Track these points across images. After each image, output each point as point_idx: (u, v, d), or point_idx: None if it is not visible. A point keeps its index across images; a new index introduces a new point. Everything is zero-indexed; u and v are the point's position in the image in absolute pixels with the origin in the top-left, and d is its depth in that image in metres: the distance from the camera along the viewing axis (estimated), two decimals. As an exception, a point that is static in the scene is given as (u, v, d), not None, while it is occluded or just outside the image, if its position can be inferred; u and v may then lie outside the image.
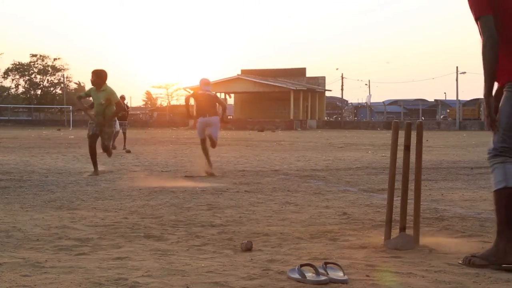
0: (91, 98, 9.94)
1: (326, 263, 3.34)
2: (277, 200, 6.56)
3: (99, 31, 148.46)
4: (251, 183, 8.34)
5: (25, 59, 70.68)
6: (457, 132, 44.54)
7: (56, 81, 69.74)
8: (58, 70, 69.47)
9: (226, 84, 59.31)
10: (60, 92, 68.48)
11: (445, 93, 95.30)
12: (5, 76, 69.44)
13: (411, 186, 4.18)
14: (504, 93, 3.60)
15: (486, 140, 3.69)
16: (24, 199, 6.52)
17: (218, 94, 66.09)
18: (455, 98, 56.85)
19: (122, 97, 16.54)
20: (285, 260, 3.65)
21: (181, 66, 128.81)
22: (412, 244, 4.00)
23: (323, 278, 3.16)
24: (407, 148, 4.13)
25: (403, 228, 4.11)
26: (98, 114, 9.66)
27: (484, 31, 3.51)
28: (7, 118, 62.18)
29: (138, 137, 26.49)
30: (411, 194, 4.21)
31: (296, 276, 3.21)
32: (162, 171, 10.42)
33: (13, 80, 69.75)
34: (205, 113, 9.88)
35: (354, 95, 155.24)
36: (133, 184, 8.16)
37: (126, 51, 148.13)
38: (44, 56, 69.44)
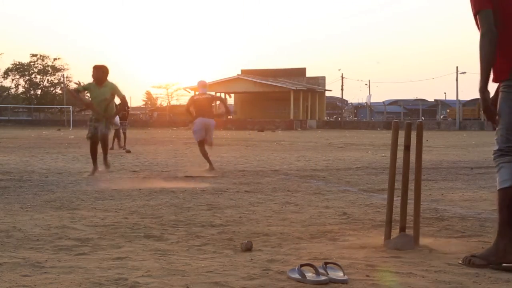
0: (87, 94, 9.64)
1: (326, 263, 3.34)
2: (277, 200, 6.56)
3: (99, 31, 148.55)
4: (251, 183, 8.34)
5: (25, 59, 70.78)
6: (457, 132, 44.54)
7: (56, 81, 69.76)
8: (58, 70, 69.48)
9: (226, 84, 59.30)
10: (60, 92, 68.47)
11: (445, 93, 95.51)
12: (5, 76, 69.46)
13: (411, 186, 4.18)
14: (500, 93, 3.61)
15: (486, 140, 3.70)
16: (24, 199, 6.52)
17: (218, 94, 66.36)
18: (455, 98, 56.85)
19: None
20: (285, 260, 3.65)
21: (181, 66, 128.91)
22: (412, 244, 4.00)
23: (323, 278, 3.16)
24: (407, 148, 4.13)
25: (403, 228, 4.11)
26: (99, 110, 9.33)
27: (482, 25, 3.52)
28: (7, 118, 62.18)
29: (138, 137, 26.49)
30: (411, 194, 4.21)
31: (296, 276, 3.21)
32: (162, 171, 10.42)
33: (13, 80, 69.82)
34: (203, 115, 10.43)
35: (354, 95, 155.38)
36: (133, 184, 8.16)
37: (126, 51, 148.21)
38: (44, 56, 69.47)
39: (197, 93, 11.19)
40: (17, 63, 69.28)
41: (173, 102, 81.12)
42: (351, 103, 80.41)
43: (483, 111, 3.61)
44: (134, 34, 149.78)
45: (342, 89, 64.84)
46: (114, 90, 9.34)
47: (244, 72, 63.38)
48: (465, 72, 55.56)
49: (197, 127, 10.38)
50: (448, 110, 64.87)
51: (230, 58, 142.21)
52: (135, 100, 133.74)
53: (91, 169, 9.50)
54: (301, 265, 3.29)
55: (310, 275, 3.20)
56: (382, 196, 6.61)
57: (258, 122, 52.05)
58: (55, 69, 69.50)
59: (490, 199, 6.53)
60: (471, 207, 6.06)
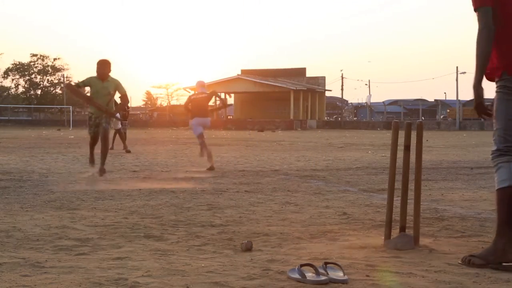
0: (87, 89, 9.15)
1: (326, 263, 3.34)
2: (277, 200, 6.55)
3: (99, 31, 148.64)
4: (251, 183, 8.34)
5: (25, 59, 70.78)
6: (457, 132, 44.54)
7: (56, 81, 69.74)
8: (58, 70, 69.47)
9: (226, 84, 59.29)
10: (60, 92, 68.47)
11: (445, 93, 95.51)
12: (5, 76, 69.46)
13: (411, 186, 4.18)
14: (496, 94, 3.62)
15: (486, 140, 3.71)
16: (24, 199, 6.52)
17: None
18: (455, 98, 56.85)
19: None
20: (285, 260, 3.65)
21: (181, 66, 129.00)
22: (412, 244, 4.00)
23: (323, 278, 3.16)
24: (407, 148, 4.13)
25: (403, 228, 4.11)
26: (101, 104, 8.85)
27: (481, 21, 3.52)
28: (7, 118, 62.18)
29: (138, 137, 26.49)
30: (411, 194, 4.21)
31: (296, 276, 3.21)
32: (162, 171, 10.42)
33: (13, 80, 69.82)
34: (199, 114, 11.13)
35: (354, 95, 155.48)
36: (133, 184, 8.16)
37: (126, 51, 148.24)
38: (44, 56, 69.47)
39: (195, 92, 11.58)
40: (17, 63, 69.30)
41: (173, 102, 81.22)
42: (351, 103, 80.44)
43: (475, 108, 3.61)
44: (134, 34, 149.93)
45: (342, 89, 64.89)
46: (117, 86, 8.96)
47: (244, 72, 63.38)
48: (465, 72, 55.53)
49: (194, 125, 11.21)
50: (448, 110, 64.88)
51: (230, 58, 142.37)
52: (135, 100, 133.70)
53: (90, 162, 9.25)
54: (301, 265, 3.29)
55: (310, 275, 3.20)
56: (382, 196, 6.61)
57: (258, 122, 52.04)
58: (55, 69, 69.49)
59: (490, 199, 6.53)
60: (471, 207, 6.06)
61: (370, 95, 67.60)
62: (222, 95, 63.49)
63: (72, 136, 28.28)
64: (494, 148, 3.62)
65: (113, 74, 8.91)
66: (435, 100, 73.15)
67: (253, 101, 61.80)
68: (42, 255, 3.79)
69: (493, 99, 3.66)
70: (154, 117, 64.55)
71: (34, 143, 21.19)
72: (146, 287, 3.06)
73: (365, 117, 72.49)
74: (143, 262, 3.58)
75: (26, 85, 69.68)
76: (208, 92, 11.57)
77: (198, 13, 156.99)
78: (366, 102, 67.83)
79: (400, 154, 4.14)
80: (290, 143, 23.14)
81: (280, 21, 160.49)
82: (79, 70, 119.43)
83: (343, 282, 3.14)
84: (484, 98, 3.58)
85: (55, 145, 19.79)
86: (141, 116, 69.06)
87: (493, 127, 3.67)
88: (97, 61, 8.99)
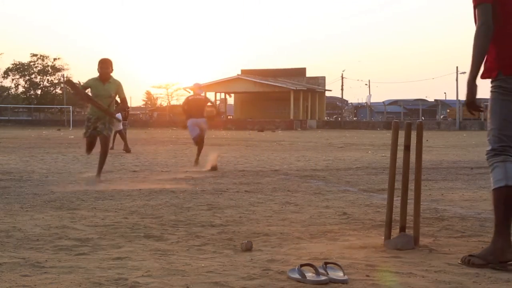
0: (88, 91, 8.75)
1: (326, 263, 3.34)
2: (277, 200, 6.55)
3: (99, 31, 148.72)
4: (251, 183, 8.34)
5: (25, 59, 70.79)
6: (457, 132, 44.55)
7: (56, 81, 69.75)
8: (58, 70, 69.47)
9: (226, 84, 59.31)
10: (60, 92, 68.48)
11: (445, 93, 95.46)
12: (5, 76, 69.47)
13: (411, 186, 4.18)
14: (491, 94, 3.62)
15: (486, 140, 3.70)
16: (24, 199, 6.52)
17: (218, 94, 65.94)
18: (455, 98, 56.84)
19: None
20: (285, 260, 3.65)
21: (181, 66, 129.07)
22: (412, 244, 4.00)
23: (323, 278, 3.16)
24: (407, 148, 4.13)
25: (403, 228, 4.11)
26: (103, 106, 8.55)
27: (480, 17, 3.53)
28: (7, 118, 62.20)
29: (138, 137, 26.49)
30: (411, 194, 4.21)
31: (296, 276, 3.21)
32: (162, 171, 10.42)
33: (13, 80, 69.83)
34: (194, 115, 11.57)
35: (354, 95, 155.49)
36: (133, 184, 8.16)
37: (126, 51, 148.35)
38: (44, 56, 69.47)
39: (192, 92, 12.06)
40: (17, 63, 69.32)
41: (173, 102, 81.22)
42: (351, 103, 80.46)
43: (466, 104, 3.61)
44: (134, 34, 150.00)
45: (342, 89, 64.89)
46: (118, 89, 8.68)
47: (244, 72, 63.38)
48: (465, 72, 55.19)
49: (190, 126, 11.65)
50: (448, 110, 64.87)
51: (230, 58, 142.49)
52: (135, 100, 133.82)
53: (86, 152, 8.96)
54: (301, 265, 3.29)
55: (310, 275, 3.20)
56: (382, 196, 6.61)
57: (258, 122, 52.04)
58: (55, 69, 69.49)
59: (490, 199, 6.49)
60: (471, 207, 6.06)
61: (370, 95, 67.62)
62: (222, 95, 63.62)
63: (72, 136, 28.28)
64: (489, 148, 3.62)
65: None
66: (435, 100, 73.17)
67: (253, 101, 61.80)
68: (42, 255, 3.79)
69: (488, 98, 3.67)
70: (154, 117, 64.55)
71: (34, 143, 21.19)
72: (146, 287, 3.06)
73: (365, 117, 72.49)
74: (143, 262, 3.58)
75: (26, 85, 69.70)
76: (204, 95, 11.99)
77: (198, 13, 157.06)
78: (366, 102, 67.84)
79: (400, 154, 4.14)
80: (290, 143, 23.14)
81: (280, 21, 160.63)
82: (79, 70, 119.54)
83: (343, 282, 3.14)
84: (477, 98, 3.58)
85: (55, 145, 19.79)
86: (141, 116, 69.07)
87: (488, 127, 3.67)
88: (98, 60, 8.75)
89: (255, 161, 13.06)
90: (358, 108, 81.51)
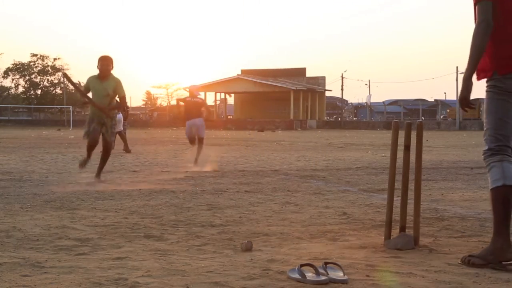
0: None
1: (326, 263, 3.34)
2: (277, 200, 6.55)
3: (99, 31, 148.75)
4: (251, 183, 8.34)
5: (25, 59, 70.77)
6: (457, 132, 44.55)
7: (56, 81, 69.74)
8: (58, 70, 69.42)
9: (226, 84, 59.31)
10: (60, 92, 68.47)
11: (445, 93, 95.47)
12: (5, 76, 69.47)
13: (411, 186, 4.18)
14: (486, 94, 3.62)
15: (483, 140, 3.70)
16: (24, 199, 6.51)
17: (218, 94, 65.94)
18: (455, 98, 56.80)
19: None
20: (285, 260, 3.65)
21: (181, 66, 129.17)
22: (412, 244, 4.00)
23: (323, 278, 3.16)
24: (407, 148, 4.13)
25: (403, 228, 4.11)
26: (101, 105, 8.43)
27: (480, 14, 3.52)
28: (7, 118, 62.20)
29: (138, 137, 26.49)
30: (411, 194, 4.21)
31: (296, 276, 3.20)
32: (162, 171, 10.42)
33: (13, 80, 69.82)
34: (191, 116, 11.80)
35: (354, 95, 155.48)
36: (133, 184, 8.16)
37: (126, 51, 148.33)
38: (44, 56, 69.45)
39: (188, 99, 12.24)
40: (17, 63, 69.30)
41: (173, 102, 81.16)
42: (351, 103, 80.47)
43: (460, 100, 3.61)
44: (134, 34, 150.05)
45: (342, 89, 64.89)
46: (117, 86, 8.47)
47: (244, 72, 63.38)
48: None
49: (186, 128, 11.98)
50: (448, 110, 64.85)
51: (230, 58, 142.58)
52: (135, 100, 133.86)
53: (83, 158, 8.75)
54: (301, 265, 3.29)
55: (310, 275, 3.20)
56: (382, 196, 6.61)
57: (258, 122, 52.05)
58: (55, 69, 69.45)
59: (489, 199, 6.52)
60: (471, 207, 6.06)
61: (370, 95, 67.63)
62: (222, 95, 63.63)
63: (72, 136, 28.28)
64: (486, 148, 3.62)
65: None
66: (435, 100, 73.18)
67: (253, 101, 61.80)
68: (42, 255, 3.79)
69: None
70: (154, 117, 64.56)
71: (34, 143, 21.19)
72: (146, 287, 3.06)
73: (365, 117, 72.49)
74: (143, 262, 3.58)
75: (26, 85, 69.68)
76: (200, 98, 12.37)
77: (198, 13, 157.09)
78: (366, 102, 67.85)
79: (400, 154, 4.14)
80: (290, 143, 23.14)
81: (280, 21, 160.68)
82: (79, 70, 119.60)
83: (343, 282, 3.14)
84: (477, 99, 3.60)
85: (55, 145, 19.80)
86: (141, 116, 69.08)
87: (484, 127, 3.67)
88: (98, 57, 8.58)
89: (255, 161, 13.06)
90: (358, 108, 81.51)
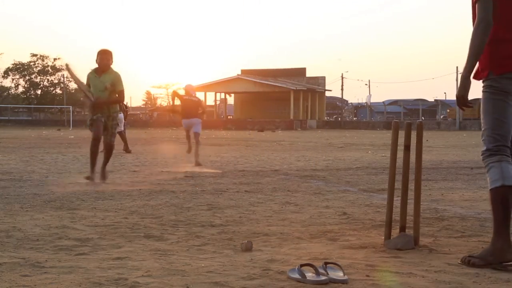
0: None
1: (326, 263, 3.34)
2: (277, 200, 6.55)
3: (99, 31, 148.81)
4: (251, 183, 8.34)
5: (25, 59, 70.81)
6: (457, 132, 44.56)
7: (56, 81, 69.77)
8: (58, 70, 69.46)
9: (226, 84, 59.33)
10: (60, 92, 68.48)
11: (445, 93, 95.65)
12: (5, 76, 69.49)
13: (411, 186, 4.18)
14: (483, 94, 3.62)
15: (481, 140, 3.69)
16: (24, 199, 6.51)
17: (218, 94, 66.00)
18: (455, 98, 56.70)
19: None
20: (285, 260, 3.65)
21: (181, 66, 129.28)
22: (412, 244, 4.00)
23: (323, 278, 3.16)
24: (407, 148, 4.13)
25: (403, 228, 4.11)
26: (101, 99, 8.27)
27: (480, 12, 3.50)
28: (7, 118, 62.22)
29: (138, 137, 26.49)
30: (411, 194, 4.21)
31: (296, 276, 3.20)
32: (162, 171, 10.42)
33: (13, 80, 69.87)
34: (188, 116, 11.98)
35: (354, 95, 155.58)
36: (133, 184, 8.16)
37: (126, 51, 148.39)
38: (44, 56, 69.48)
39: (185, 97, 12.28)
40: (17, 63, 69.34)
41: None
42: (351, 103, 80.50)
43: (457, 98, 3.61)
44: (134, 34, 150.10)
45: (342, 89, 64.91)
46: (116, 80, 8.25)
47: (244, 72, 63.40)
48: (464, 72, 55.34)
49: (183, 125, 12.20)
50: (448, 110, 64.87)
51: (230, 58, 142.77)
52: (135, 100, 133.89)
53: (90, 173, 8.47)
54: (301, 265, 3.29)
55: (310, 275, 3.20)
56: (382, 196, 6.61)
57: (258, 122, 52.05)
58: (55, 69, 69.50)
59: (489, 199, 6.52)
60: (471, 207, 6.06)
61: (370, 95, 67.66)
62: (222, 95, 63.63)
63: (72, 136, 28.28)
64: (484, 148, 3.61)
65: (114, 68, 8.59)
66: (435, 100, 73.18)
67: (253, 101, 61.81)
68: (42, 255, 3.79)
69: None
70: (154, 117, 64.57)
71: (34, 143, 21.19)
72: (146, 287, 3.06)
73: (365, 117, 72.52)
74: (143, 262, 3.58)
75: (26, 85, 69.72)
76: (197, 98, 12.51)
77: (198, 13, 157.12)
78: (366, 102, 67.86)
79: (400, 154, 4.14)
80: (290, 143, 23.14)
81: (280, 21, 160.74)
82: (79, 70, 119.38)
83: (343, 282, 3.14)
84: (476, 99, 3.59)
85: (55, 145, 19.79)
86: (141, 116, 69.09)
87: (481, 128, 3.67)
88: (98, 50, 8.36)
89: (255, 161, 13.06)
90: (358, 108, 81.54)
